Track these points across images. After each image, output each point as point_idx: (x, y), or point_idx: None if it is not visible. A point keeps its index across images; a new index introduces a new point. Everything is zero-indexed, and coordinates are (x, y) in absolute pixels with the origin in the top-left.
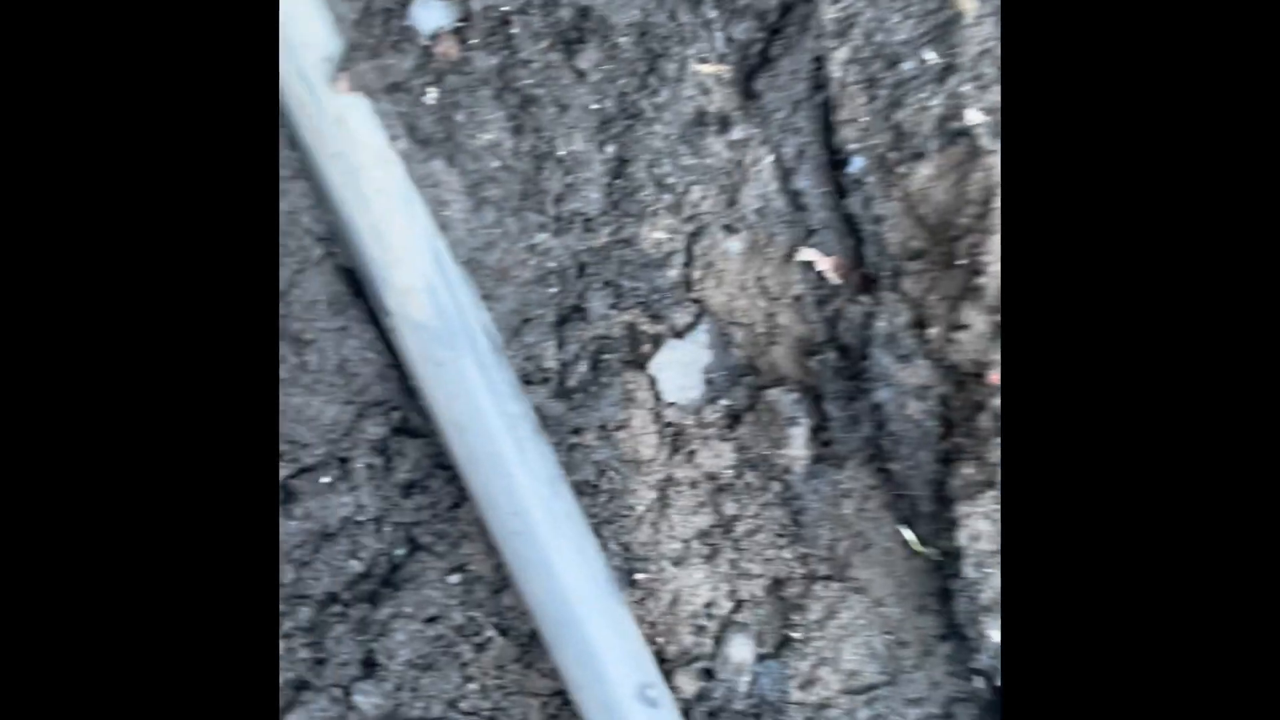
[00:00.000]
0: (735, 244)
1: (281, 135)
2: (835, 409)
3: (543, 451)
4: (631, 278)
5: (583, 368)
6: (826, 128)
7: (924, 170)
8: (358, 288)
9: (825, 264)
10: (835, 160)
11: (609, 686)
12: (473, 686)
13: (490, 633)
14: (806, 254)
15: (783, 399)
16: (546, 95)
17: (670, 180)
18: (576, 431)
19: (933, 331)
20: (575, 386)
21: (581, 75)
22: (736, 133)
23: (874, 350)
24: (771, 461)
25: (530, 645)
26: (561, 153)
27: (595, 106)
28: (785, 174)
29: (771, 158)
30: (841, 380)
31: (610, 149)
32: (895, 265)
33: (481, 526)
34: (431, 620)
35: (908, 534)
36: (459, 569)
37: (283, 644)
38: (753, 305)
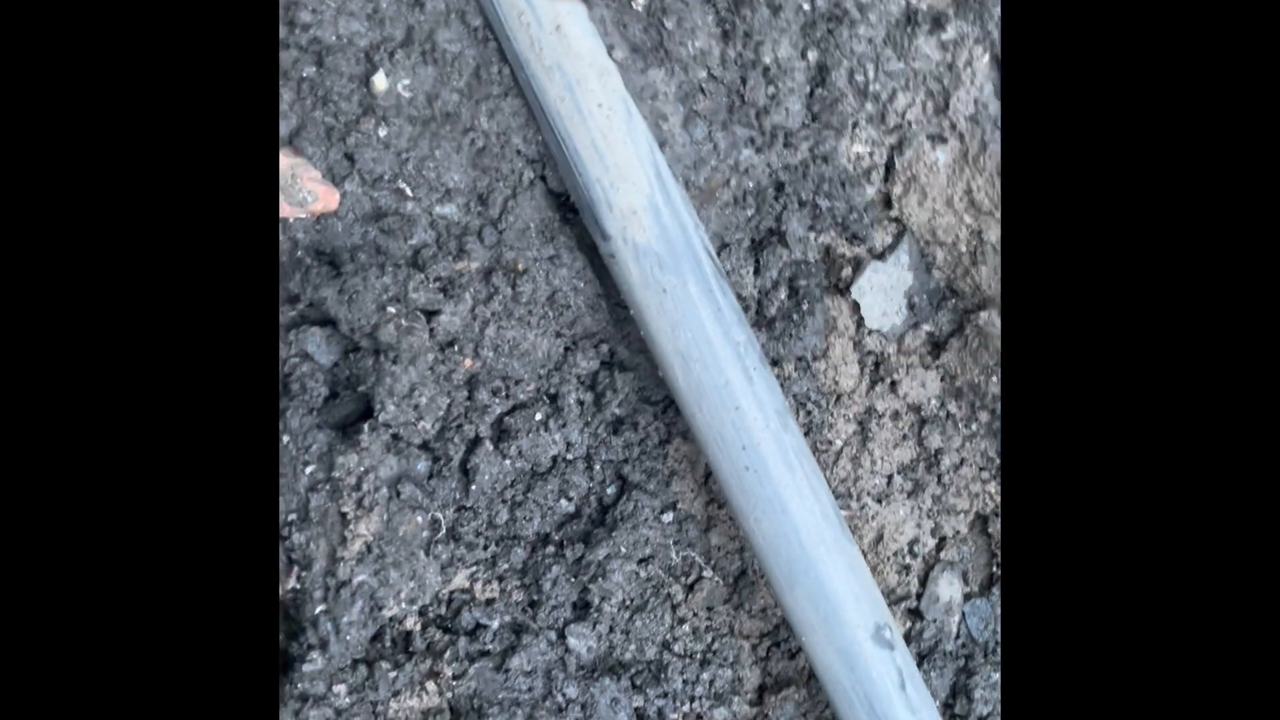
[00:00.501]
0: (943, 154)
1: (490, 49)
2: None
3: (770, 383)
4: (829, 196)
5: (782, 294)
6: None
7: None
8: (566, 212)
9: None
10: None
11: (845, 628)
12: (685, 629)
13: (705, 573)
14: None
15: (993, 322)
16: None
17: (874, 88)
18: (775, 363)
19: None
20: (775, 315)
21: None
22: (949, 31)
23: None
24: (980, 390)
25: (739, 585)
26: (767, 60)
27: (806, 6)
28: (1003, 74)
29: (987, 56)
30: None
31: (812, 55)
32: None
33: (692, 461)
34: (644, 560)
35: None
36: (670, 507)
37: (497, 585)
38: (958, 221)
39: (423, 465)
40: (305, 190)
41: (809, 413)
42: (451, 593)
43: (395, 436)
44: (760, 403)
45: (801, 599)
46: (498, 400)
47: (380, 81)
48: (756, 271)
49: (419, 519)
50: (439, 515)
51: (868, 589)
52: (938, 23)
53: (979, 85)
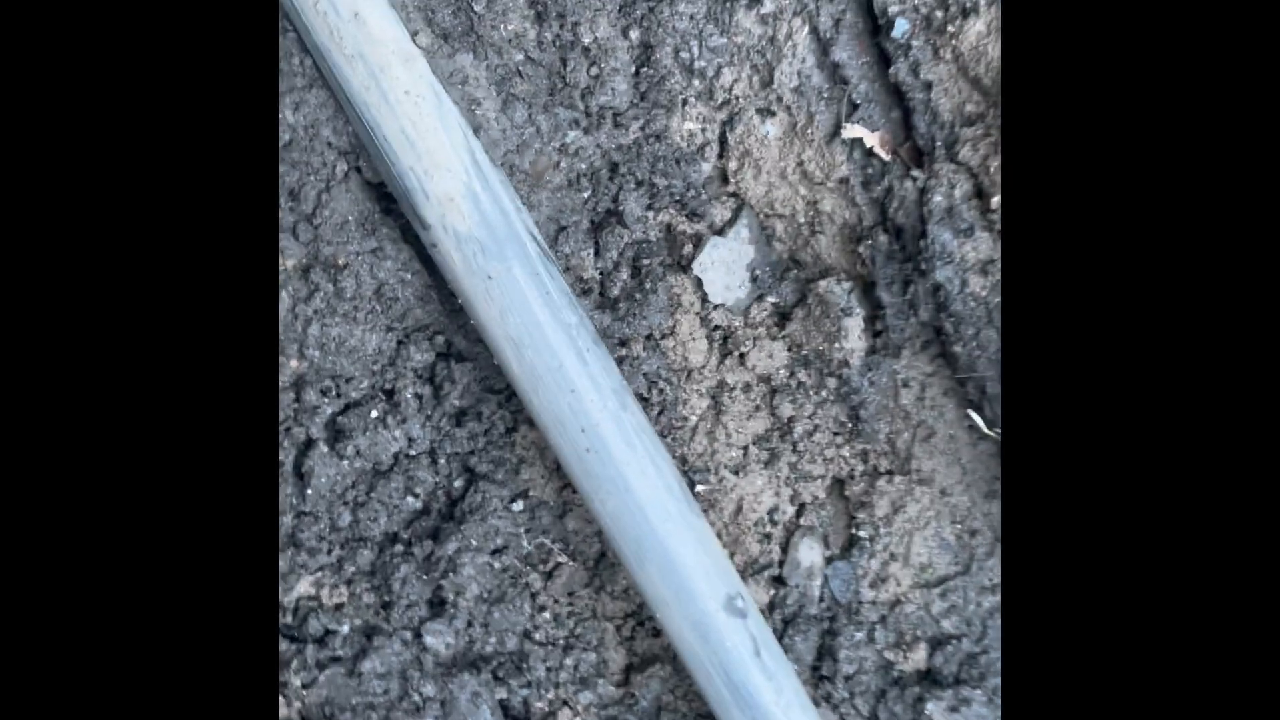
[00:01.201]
0: (772, 128)
1: (290, 39)
2: (889, 296)
3: (605, 363)
4: (665, 174)
5: (624, 275)
6: None
7: (976, 26)
8: (387, 203)
9: (872, 140)
10: (876, 26)
11: (696, 600)
12: (545, 616)
13: (560, 559)
14: (851, 131)
15: (833, 290)
16: None
17: (699, 64)
18: (623, 343)
19: (995, 200)
20: (618, 295)
21: None
22: (767, 5)
23: (931, 228)
24: (826, 357)
25: (598, 568)
26: (587, 40)
27: None
28: (823, 46)
29: (806, 29)
30: (895, 264)
31: (634, 34)
32: (950, 134)
33: (540, 448)
34: (498, 552)
35: (975, 417)
36: (521, 495)
37: (345, 590)
38: (794, 193)
39: None
40: None
41: (661, 391)
42: (297, 600)
43: None
44: (596, 384)
45: (653, 575)
46: (328, 400)
47: None
48: (597, 253)
49: None
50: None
51: (717, 560)
52: None
53: (800, 57)
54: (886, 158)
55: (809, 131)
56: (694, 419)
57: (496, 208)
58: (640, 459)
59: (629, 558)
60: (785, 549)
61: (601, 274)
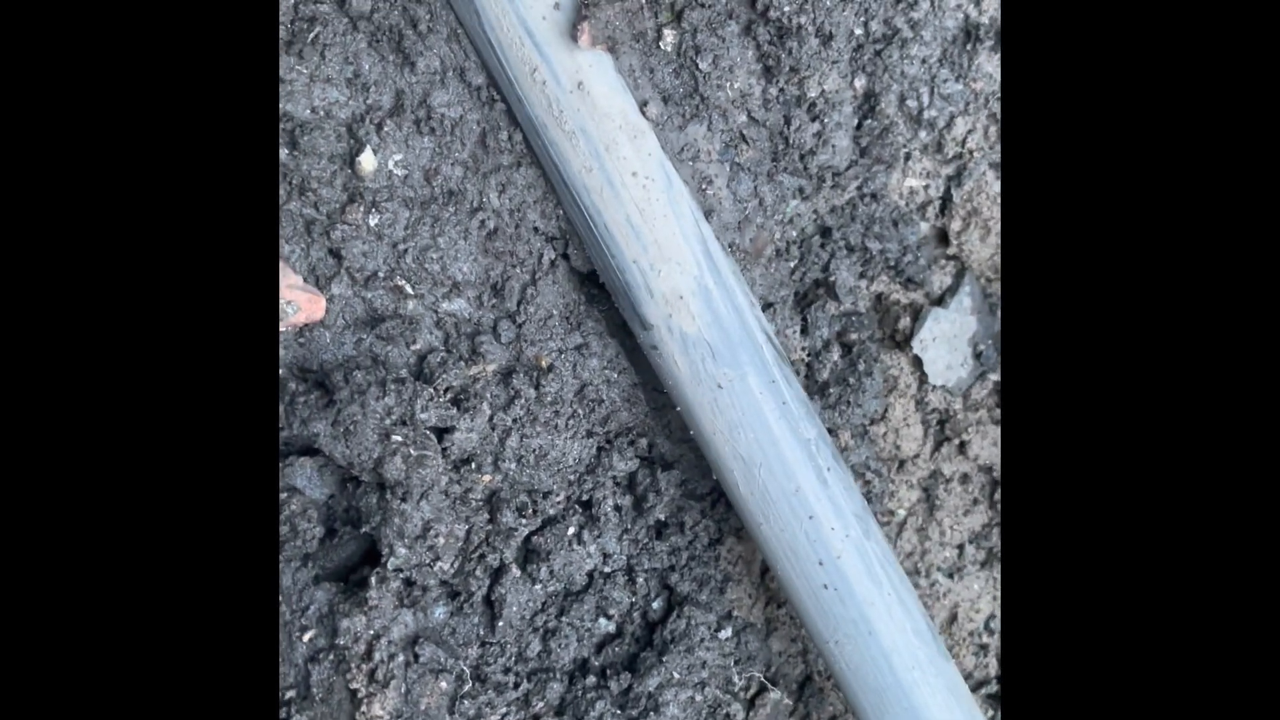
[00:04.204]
0: None
1: (498, 112)
2: None
3: (847, 483)
4: (880, 238)
5: (834, 355)
6: None
7: None
8: (591, 290)
9: None
10: None
11: None
12: None
13: (769, 689)
14: None
15: None
16: (807, 22)
17: (928, 114)
18: (830, 432)
19: None
20: (828, 379)
21: None
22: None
23: None
24: None
25: (804, 694)
26: (813, 94)
27: (858, 31)
28: None
29: None
30: None
31: (860, 83)
32: None
33: (747, 561)
34: (701, 684)
35: None
36: (727, 618)
37: None
38: None
39: (441, 611)
40: (284, 300)
41: (868, 482)
42: None
43: (408, 583)
44: (838, 509)
45: None
46: (524, 519)
47: (368, 160)
48: (804, 330)
49: (442, 683)
50: (463, 666)
51: (970, 714)
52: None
53: None
54: None
55: None
56: (903, 513)
57: (730, 306)
58: (886, 597)
59: (867, 710)
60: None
61: (809, 354)
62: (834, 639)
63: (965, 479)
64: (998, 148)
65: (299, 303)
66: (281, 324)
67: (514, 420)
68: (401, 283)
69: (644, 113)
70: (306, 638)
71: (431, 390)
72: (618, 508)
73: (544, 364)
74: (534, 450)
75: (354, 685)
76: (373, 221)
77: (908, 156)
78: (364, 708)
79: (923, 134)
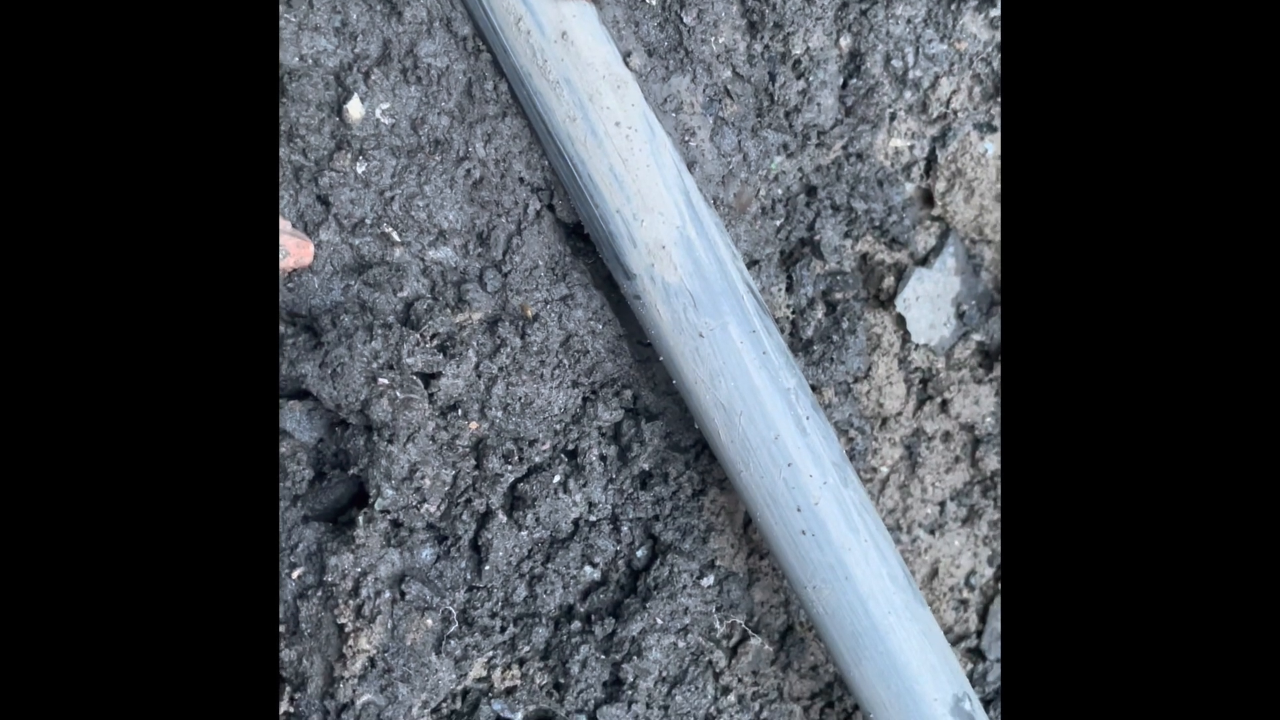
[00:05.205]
0: (992, 145)
1: (484, 62)
2: None
3: (826, 431)
4: (865, 197)
5: (818, 313)
6: None
7: None
8: (577, 243)
9: None
10: None
11: (920, 704)
12: (730, 699)
13: (750, 635)
14: None
15: None
16: None
17: (913, 74)
18: (814, 388)
19: None
20: (812, 336)
21: None
22: (1000, 6)
23: None
24: None
25: (786, 643)
26: (798, 51)
27: None
28: None
29: None
30: None
31: (845, 41)
32: None
33: (730, 513)
34: (684, 630)
35: None
36: (710, 567)
37: (517, 671)
38: None
39: (428, 553)
40: None
41: (851, 440)
42: (466, 687)
43: (395, 524)
44: (816, 456)
45: (870, 674)
46: (510, 466)
47: (355, 108)
48: (789, 288)
49: (428, 621)
50: (449, 607)
51: (944, 657)
52: None
53: None
54: None
55: None
56: (885, 470)
57: (712, 256)
58: (863, 543)
59: (844, 653)
60: (984, 617)
61: (794, 312)
62: (812, 584)
63: (947, 437)
64: (982, 108)
65: (288, 248)
66: None
67: (500, 368)
68: (389, 230)
69: (627, 63)
70: (295, 574)
71: (418, 336)
72: (603, 457)
73: (529, 313)
74: (519, 398)
75: (341, 620)
76: (360, 169)
77: (893, 116)
78: (351, 642)
79: (908, 94)
